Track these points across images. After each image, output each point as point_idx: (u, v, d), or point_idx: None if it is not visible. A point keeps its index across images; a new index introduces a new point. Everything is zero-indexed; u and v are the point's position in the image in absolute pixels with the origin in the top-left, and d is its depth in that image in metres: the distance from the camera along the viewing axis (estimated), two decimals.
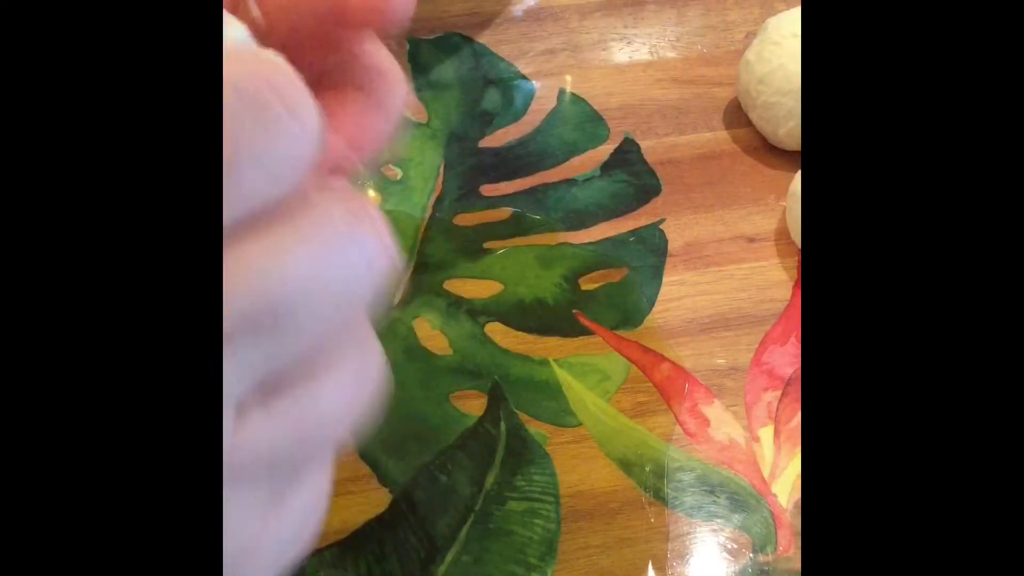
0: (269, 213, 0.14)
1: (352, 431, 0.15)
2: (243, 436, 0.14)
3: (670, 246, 0.43)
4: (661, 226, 0.44)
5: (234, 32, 0.16)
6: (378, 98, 0.18)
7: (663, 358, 0.39)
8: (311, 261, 0.14)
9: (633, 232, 0.43)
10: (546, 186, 0.45)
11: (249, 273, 0.13)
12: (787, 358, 0.39)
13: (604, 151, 0.47)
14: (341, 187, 0.16)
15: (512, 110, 0.48)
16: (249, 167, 0.13)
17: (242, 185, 0.13)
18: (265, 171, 0.13)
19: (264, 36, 0.17)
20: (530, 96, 0.49)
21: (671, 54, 0.51)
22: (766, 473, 0.36)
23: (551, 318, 0.40)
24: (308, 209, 0.15)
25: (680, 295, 0.41)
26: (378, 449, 0.37)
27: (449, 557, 0.34)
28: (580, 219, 0.44)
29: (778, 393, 0.38)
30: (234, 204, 0.13)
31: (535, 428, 0.37)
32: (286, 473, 0.15)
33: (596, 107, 0.48)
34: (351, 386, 0.15)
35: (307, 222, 0.14)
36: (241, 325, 0.13)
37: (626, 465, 0.36)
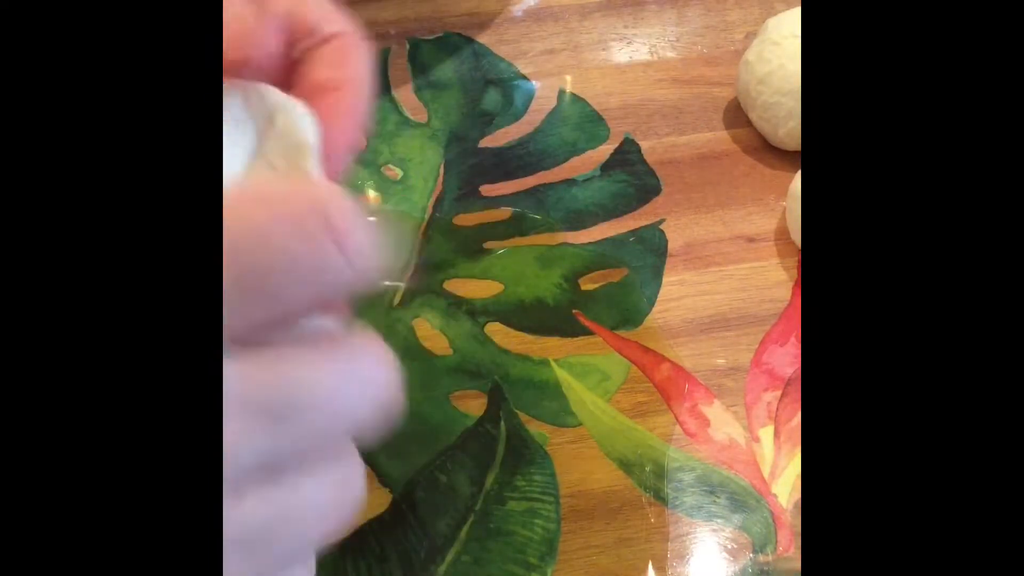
0: (300, 324, 0.16)
1: (329, 534, 0.17)
2: (236, 511, 0.15)
3: (670, 246, 0.43)
4: (661, 226, 0.44)
5: (305, 129, 0.17)
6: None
7: (663, 358, 0.39)
8: (328, 376, 0.15)
9: (633, 232, 0.43)
10: (546, 186, 0.45)
11: (275, 369, 0.15)
12: (787, 358, 0.39)
13: (604, 151, 0.47)
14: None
15: (512, 110, 0.48)
16: (284, 282, 0.14)
17: (276, 294, 0.14)
18: (301, 289, 0.15)
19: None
20: (530, 96, 0.49)
21: (671, 54, 0.51)
22: (766, 473, 0.36)
23: (551, 318, 0.40)
24: (336, 334, 0.16)
25: (680, 295, 0.41)
26: (378, 449, 0.37)
27: (449, 557, 0.34)
28: (580, 219, 0.44)
29: (778, 393, 0.38)
30: (264, 308, 0.14)
31: (535, 428, 0.37)
32: (270, 559, 0.16)
33: (596, 107, 0.48)
34: (333, 491, 0.16)
35: (333, 343, 0.16)
36: (258, 410, 0.14)
37: (626, 465, 0.36)
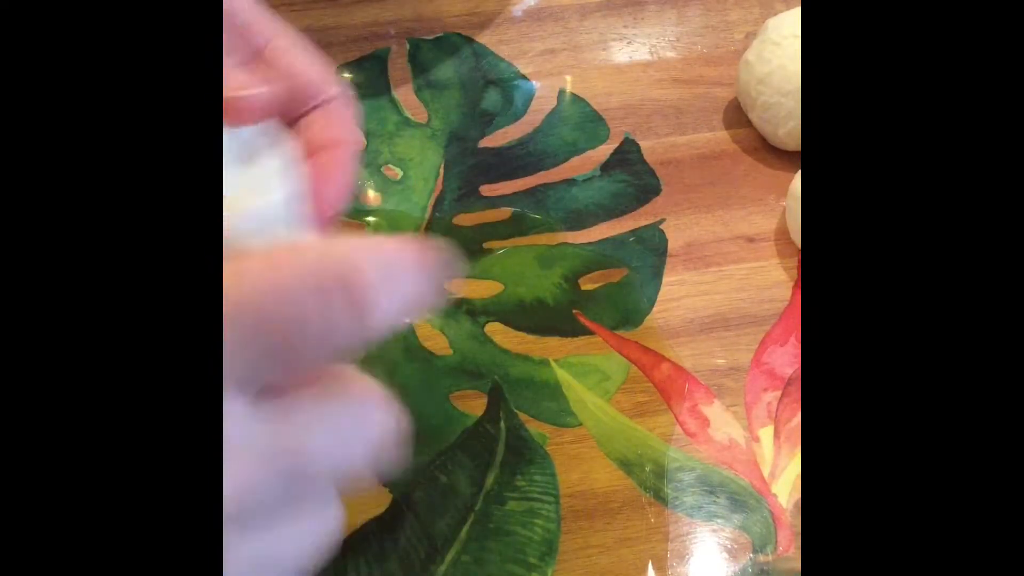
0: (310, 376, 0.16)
1: (305, 570, 0.17)
2: (235, 551, 0.15)
3: (670, 246, 0.43)
4: (661, 226, 0.44)
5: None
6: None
7: (663, 358, 0.39)
8: (334, 429, 0.16)
9: (633, 232, 0.43)
10: (546, 186, 0.45)
11: (288, 418, 0.16)
12: (787, 358, 0.39)
13: (604, 151, 0.47)
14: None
15: (512, 110, 0.48)
16: (301, 338, 0.15)
17: (294, 349, 0.15)
18: (316, 345, 0.15)
19: None
20: (530, 96, 0.49)
21: (671, 54, 0.51)
22: (766, 473, 0.36)
23: (551, 318, 0.40)
24: (345, 376, 0.17)
25: (680, 295, 0.41)
26: None
27: (449, 557, 0.34)
28: (580, 219, 0.44)
29: (778, 393, 0.38)
30: (283, 362, 0.15)
31: (535, 428, 0.37)
32: None
33: (596, 107, 0.48)
34: (315, 535, 0.17)
35: (342, 391, 0.17)
36: (269, 456, 0.15)
37: (626, 465, 0.36)
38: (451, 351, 0.39)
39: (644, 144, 0.47)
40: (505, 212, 0.44)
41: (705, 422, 0.37)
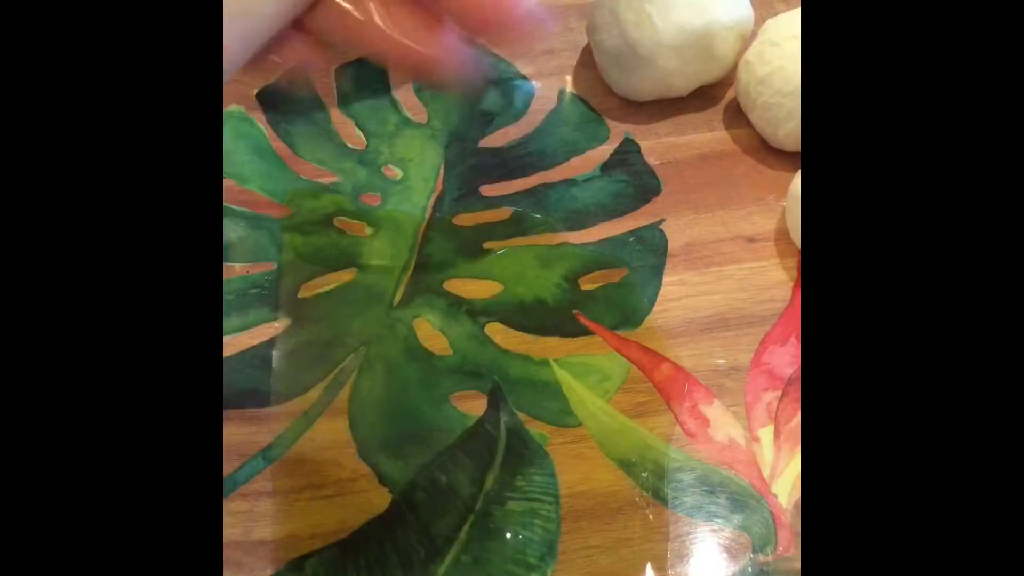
0: None
1: None
2: None
3: (670, 246, 0.43)
4: (661, 226, 0.44)
5: None
6: None
7: (663, 358, 0.39)
8: None
9: (633, 232, 0.43)
10: (546, 186, 0.45)
11: None
12: (787, 358, 0.39)
13: (604, 151, 0.47)
14: None
15: (512, 110, 0.48)
16: None
17: None
18: None
19: None
20: (530, 96, 0.49)
21: None
22: (766, 473, 0.36)
23: (551, 318, 0.40)
24: None
25: (680, 295, 0.41)
26: (378, 449, 0.37)
27: (449, 557, 0.34)
28: (580, 219, 0.44)
29: (778, 393, 0.38)
30: None
31: (535, 428, 0.37)
32: None
33: (596, 107, 0.48)
34: None
35: None
36: None
37: (626, 465, 0.36)
38: (451, 351, 0.39)
39: (644, 144, 0.47)
40: (505, 212, 0.44)
41: (705, 422, 0.37)
